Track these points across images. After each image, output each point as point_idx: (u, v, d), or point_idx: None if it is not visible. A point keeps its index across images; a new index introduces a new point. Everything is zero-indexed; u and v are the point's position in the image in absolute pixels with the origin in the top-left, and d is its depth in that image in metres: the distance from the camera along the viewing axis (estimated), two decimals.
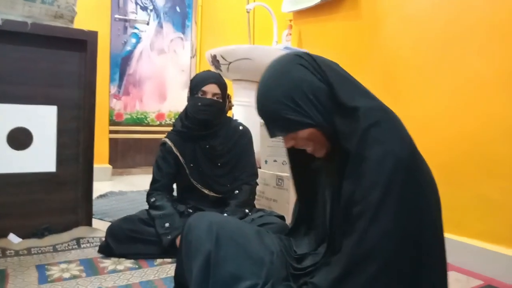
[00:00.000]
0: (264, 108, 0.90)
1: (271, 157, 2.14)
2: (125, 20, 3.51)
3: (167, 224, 1.59)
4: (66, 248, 1.66)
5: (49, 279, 1.36)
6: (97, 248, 1.66)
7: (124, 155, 3.59)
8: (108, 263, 1.53)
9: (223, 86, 1.74)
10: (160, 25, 3.68)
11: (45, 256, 1.57)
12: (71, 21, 1.82)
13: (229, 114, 1.91)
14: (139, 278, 1.41)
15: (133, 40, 3.57)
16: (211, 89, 1.70)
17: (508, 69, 1.53)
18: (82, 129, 1.85)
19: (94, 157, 1.89)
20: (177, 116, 1.94)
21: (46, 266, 1.47)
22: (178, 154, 1.74)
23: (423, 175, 0.81)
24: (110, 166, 3.39)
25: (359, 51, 2.16)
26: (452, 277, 1.51)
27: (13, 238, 1.67)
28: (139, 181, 3.24)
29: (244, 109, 2.37)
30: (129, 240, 1.59)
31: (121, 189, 2.92)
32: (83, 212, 1.86)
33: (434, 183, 0.84)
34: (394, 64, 1.96)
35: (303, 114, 0.85)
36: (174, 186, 1.85)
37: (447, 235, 1.66)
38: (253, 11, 2.85)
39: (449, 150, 1.71)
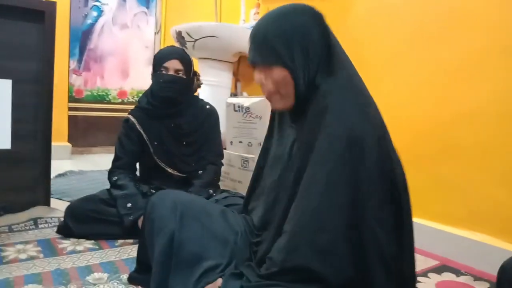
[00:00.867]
0: (260, 30, 0.90)
1: (236, 138, 2.13)
2: None
3: (129, 205, 1.56)
4: (23, 228, 1.60)
5: (4, 260, 1.31)
6: (55, 229, 1.61)
7: (84, 133, 3.49)
8: (67, 244, 1.49)
9: (186, 62, 1.69)
10: None
11: (0, 237, 1.51)
12: None
13: (195, 93, 1.88)
14: (99, 259, 1.38)
15: (94, 13, 3.43)
16: (173, 65, 1.66)
17: (469, 58, 1.57)
18: (39, 104, 1.77)
19: (52, 134, 1.82)
20: (140, 94, 1.89)
21: (1, 247, 1.41)
22: (142, 131, 1.70)
23: (382, 152, 0.81)
24: (70, 145, 3.28)
25: None
26: None
27: None
28: (101, 160, 3.15)
29: (210, 89, 2.34)
30: (90, 220, 1.55)
31: (81, 168, 2.84)
32: (41, 191, 1.80)
33: (397, 161, 0.85)
34: (362, 46, 1.97)
35: (289, 55, 0.86)
36: (138, 165, 1.82)
37: None
38: None
39: (410, 133, 1.75)
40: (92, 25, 3.43)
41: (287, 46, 0.86)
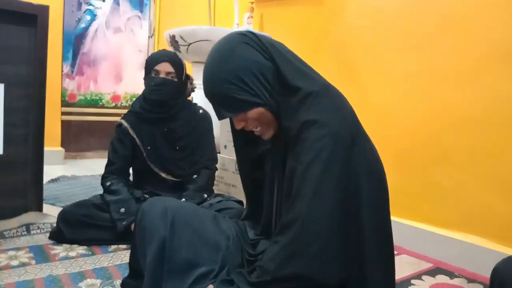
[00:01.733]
0: (212, 89, 0.89)
1: (230, 142, 2.12)
2: None
3: (122, 210, 1.55)
4: (15, 234, 1.59)
5: None
6: (48, 235, 1.59)
7: (77, 138, 3.46)
8: (60, 250, 1.48)
9: (177, 65, 1.68)
10: (116, 2, 3.54)
11: None
12: None
13: (189, 98, 1.87)
14: (92, 265, 1.37)
15: (88, 17, 3.41)
16: (164, 68, 1.65)
17: (462, 64, 1.58)
18: (32, 108, 1.75)
19: (45, 139, 1.80)
20: (134, 99, 1.88)
21: None
22: (135, 136, 1.69)
23: (364, 154, 0.82)
24: (63, 149, 3.25)
25: (320, 36, 2.16)
26: (404, 260, 1.57)
27: None
28: (93, 165, 3.13)
29: (203, 93, 2.33)
30: (82, 225, 1.54)
31: (74, 173, 2.82)
32: (33, 197, 1.78)
33: (378, 162, 0.86)
34: (353, 51, 1.98)
35: (252, 93, 0.85)
36: (131, 170, 1.81)
37: (399, 219, 1.72)
38: None
39: (403, 139, 1.76)
40: (85, 29, 3.41)
41: (246, 89, 0.85)
